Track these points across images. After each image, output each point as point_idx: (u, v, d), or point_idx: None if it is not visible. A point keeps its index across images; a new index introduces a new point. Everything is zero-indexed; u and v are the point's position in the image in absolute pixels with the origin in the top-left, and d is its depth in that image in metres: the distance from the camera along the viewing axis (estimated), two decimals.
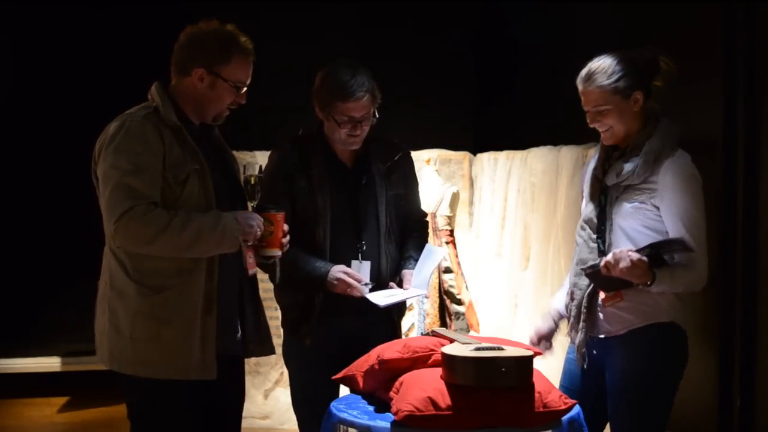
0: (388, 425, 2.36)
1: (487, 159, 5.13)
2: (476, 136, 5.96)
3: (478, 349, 2.44)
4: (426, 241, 3.26)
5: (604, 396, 2.76)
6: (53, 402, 5.69)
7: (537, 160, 4.55)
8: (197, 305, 2.58)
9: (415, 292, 3.05)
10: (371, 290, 3.00)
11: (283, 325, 3.17)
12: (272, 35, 5.58)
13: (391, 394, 2.48)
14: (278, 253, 2.73)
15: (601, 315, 2.76)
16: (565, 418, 2.45)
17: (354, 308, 2.97)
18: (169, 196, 2.56)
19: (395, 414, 2.35)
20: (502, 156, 4.95)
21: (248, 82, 2.72)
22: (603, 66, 2.71)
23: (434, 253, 3.13)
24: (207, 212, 2.58)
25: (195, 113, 2.70)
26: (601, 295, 2.74)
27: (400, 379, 2.50)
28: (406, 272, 3.08)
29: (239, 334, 2.73)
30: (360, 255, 3.06)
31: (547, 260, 4.36)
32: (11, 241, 5.91)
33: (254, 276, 2.78)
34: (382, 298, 2.97)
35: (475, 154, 5.29)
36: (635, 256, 2.51)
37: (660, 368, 2.67)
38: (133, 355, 2.57)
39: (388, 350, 2.59)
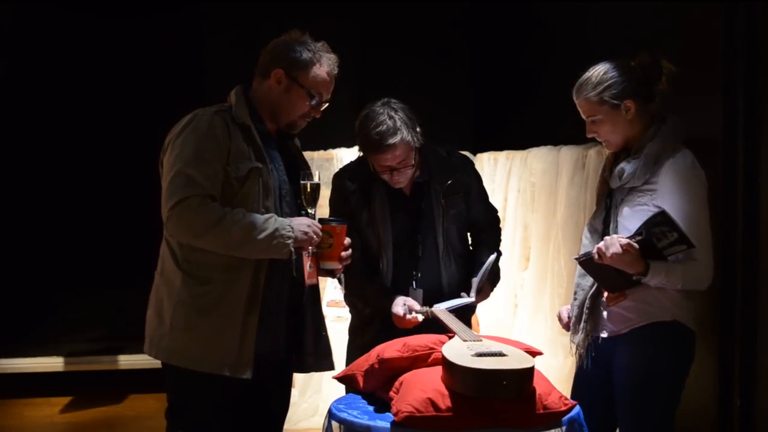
0: (388, 425, 2.36)
1: (487, 159, 5.13)
2: (476, 136, 5.96)
3: (478, 354, 2.42)
4: (498, 239, 3.29)
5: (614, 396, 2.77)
6: (53, 402, 5.69)
7: (537, 160, 4.55)
8: (240, 302, 2.56)
9: (463, 300, 3.07)
10: (437, 302, 3.04)
11: (350, 324, 3.27)
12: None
13: (391, 394, 2.48)
14: (338, 266, 2.69)
15: (604, 314, 2.76)
16: (565, 418, 2.45)
17: (416, 329, 2.95)
18: (227, 192, 2.56)
19: (395, 415, 2.35)
20: (502, 156, 4.95)
21: (325, 97, 2.71)
22: (591, 77, 2.72)
23: (489, 258, 3.13)
24: (263, 214, 2.56)
25: (270, 118, 2.70)
26: (605, 294, 2.75)
27: (400, 379, 2.50)
28: (474, 280, 3.11)
29: (283, 342, 2.70)
30: (414, 283, 3.09)
31: (547, 260, 4.36)
32: (15, 241, 5.91)
33: (316, 288, 2.76)
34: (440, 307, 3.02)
35: (475, 154, 5.28)
36: (624, 240, 2.52)
37: (661, 366, 2.67)
38: (170, 342, 2.57)
39: (388, 349, 2.59)
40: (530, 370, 2.40)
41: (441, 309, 2.96)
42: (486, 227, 3.28)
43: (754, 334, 3.25)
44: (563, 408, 2.43)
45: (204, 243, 2.52)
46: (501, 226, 3.37)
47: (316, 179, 2.69)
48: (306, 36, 2.71)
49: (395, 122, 2.94)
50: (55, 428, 5.26)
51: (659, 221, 2.50)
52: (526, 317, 4.54)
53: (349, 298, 3.23)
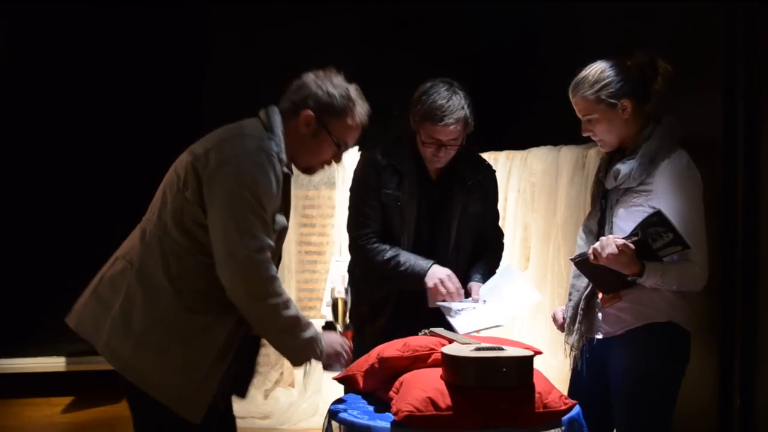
0: (388, 425, 2.35)
1: (487, 159, 5.12)
2: (476, 136, 5.95)
3: (478, 349, 2.44)
4: (499, 259, 3.31)
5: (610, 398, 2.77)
6: (53, 402, 5.70)
7: (537, 160, 4.55)
8: (216, 344, 2.42)
9: (494, 322, 3.06)
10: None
11: (351, 317, 3.22)
12: (272, 48, 5.60)
13: (391, 394, 2.48)
14: (338, 371, 2.64)
15: (599, 315, 2.76)
16: (565, 418, 2.44)
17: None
18: None
19: (395, 414, 2.35)
20: (502, 156, 4.94)
21: (350, 146, 2.60)
22: (588, 75, 2.72)
23: (511, 274, 3.13)
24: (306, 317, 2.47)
25: (290, 156, 2.54)
26: (600, 296, 2.74)
27: (400, 379, 2.50)
28: (473, 284, 3.13)
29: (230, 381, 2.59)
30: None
31: (547, 260, 4.36)
32: (14, 242, 5.91)
33: None
34: (463, 322, 3.00)
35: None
36: (620, 241, 2.51)
37: (657, 368, 2.67)
38: (131, 356, 2.39)
39: (388, 349, 2.58)
40: (529, 359, 2.41)
41: (462, 322, 2.98)
42: (490, 243, 3.29)
43: (754, 334, 3.25)
44: (563, 407, 2.43)
45: (249, 305, 2.36)
46: (502, 255, 3.38)
47: (344, 294, 2.77)
48: (341, 77, 2.56)
49: (460, 99, 3.08)
50: (55, 428, 5.25)
51: (655, 222, 2.50)
52: (526, 317, 4.53)
53: (356, 280, 3.19)
